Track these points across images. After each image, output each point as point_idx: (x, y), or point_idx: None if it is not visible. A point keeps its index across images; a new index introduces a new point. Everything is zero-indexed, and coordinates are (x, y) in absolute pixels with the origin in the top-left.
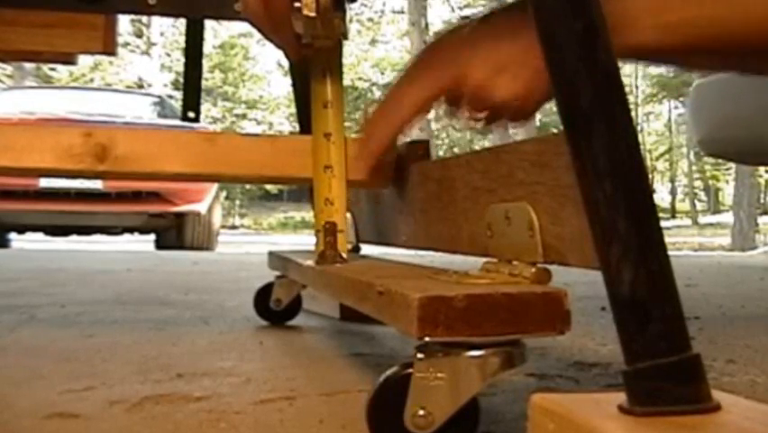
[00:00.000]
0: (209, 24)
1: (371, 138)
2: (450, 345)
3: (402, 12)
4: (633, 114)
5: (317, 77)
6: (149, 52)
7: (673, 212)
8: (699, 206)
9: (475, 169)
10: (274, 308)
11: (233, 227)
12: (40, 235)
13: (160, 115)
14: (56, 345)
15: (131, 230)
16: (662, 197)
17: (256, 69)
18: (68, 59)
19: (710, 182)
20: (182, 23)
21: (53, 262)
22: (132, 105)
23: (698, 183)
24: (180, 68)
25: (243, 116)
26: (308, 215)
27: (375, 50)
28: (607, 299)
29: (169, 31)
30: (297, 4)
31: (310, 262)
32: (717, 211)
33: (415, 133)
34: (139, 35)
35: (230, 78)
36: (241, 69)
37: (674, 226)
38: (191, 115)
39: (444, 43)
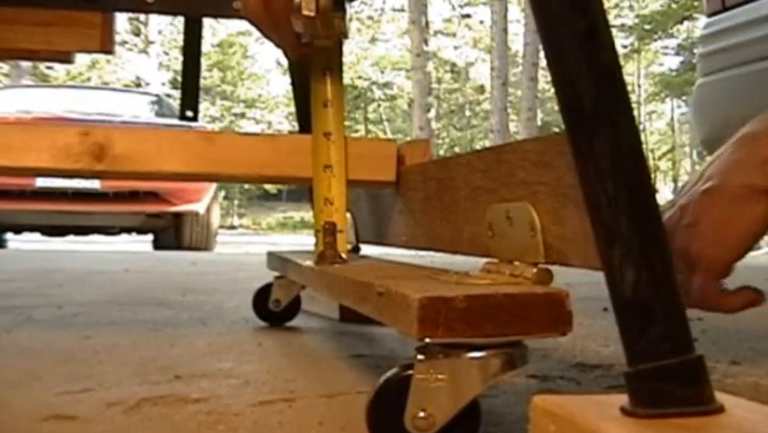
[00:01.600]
0: (207, 22)
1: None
2: (450, 347)
3: (402, 10)
4: (635, 113)
5: (317, 76)
6: (147, 51)
7: None
8: None
9: (476, 168)
10: (273, 308)
11: (232, 227)
12: (36, 236)
13: (158, 114)
14: (53, 347)
15: (128, 230)
16: (664, 197)
17: (255, 68)
18: (66, 58)
19: None
20: (180, 21)
21: (50, 262)
22: (129, 104)
23: None
24: (178, 66)
25: (242, 115)
26: (307, 215)
27: (375, 49)
28: (609, 299)
29: (167, 29)
30: (296, 0)
31: (309, 263)
32: None
33: (414, 133)
34: (137, 33)
35: (228, 77)
36: (239, 68)
37: None
38: (189, 114)
39: None
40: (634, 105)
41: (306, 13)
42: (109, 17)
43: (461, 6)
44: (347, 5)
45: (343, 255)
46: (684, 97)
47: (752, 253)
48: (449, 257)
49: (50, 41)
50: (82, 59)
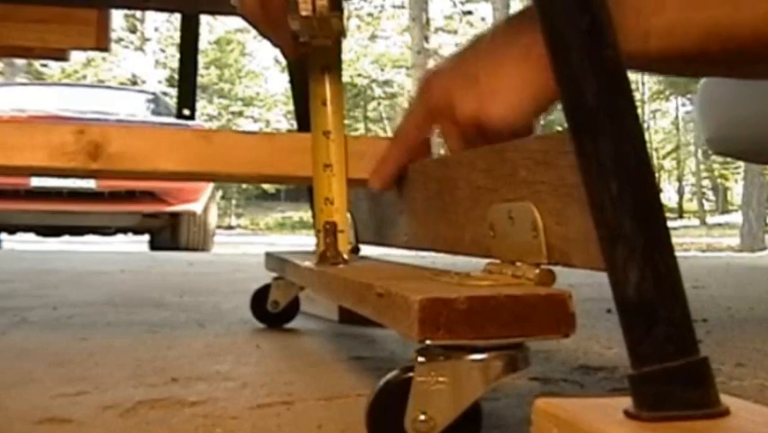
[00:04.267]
0: (205, 20)
1: (382, 163)
2: (451, 349)
3: (402, 7)
4: (639, 111)
5: (316, 74)
6: (143, 48)
7: (681, 212)
8: (707, 205)
9: (477, 167)
10: (271, 310)
11: (230, 228)
12: (31, 236)
13: (155, 113)
14: (48, 349)
15: (124, 230)
16: (669, 196)
17: (253, 66)
18: (61, 55)
19: (719, 181)
20: (177, 18)
21: (45, 263)
22: (125, 103)
23: (706, 182)
24: (175, 64)
25: (240, 114)
26: (306, 215)
27: (375, 46)
28: (612, 300)
29: (163, 26)
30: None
31: (308, 264)
32: (725, 211)
33: None
34: (133, 31)
35: (226, 75)
36: (237, 66)
37: (682, 227)
38: (186, 112)
39: (440, 71)
40: (638, 104)
41: (302, 13)
42: (105, 14)
43: (462, 3)
44: (345, 4)
45: (345, 256)
46: (689, 96)
47: (757, 254)
48: (450, 258)
49: (44, 38)
50: (77, 57)
